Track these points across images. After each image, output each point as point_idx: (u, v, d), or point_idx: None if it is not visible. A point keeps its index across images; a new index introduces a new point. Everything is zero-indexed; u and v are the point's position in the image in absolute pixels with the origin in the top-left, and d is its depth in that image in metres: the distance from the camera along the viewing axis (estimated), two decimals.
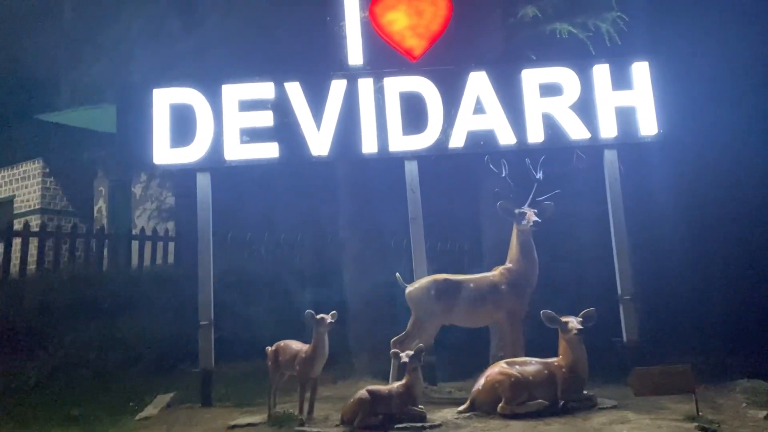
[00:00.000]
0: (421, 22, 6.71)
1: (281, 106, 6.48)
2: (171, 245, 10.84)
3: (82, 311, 9.43)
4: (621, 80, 6.56)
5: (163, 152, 6.43)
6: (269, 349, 5.32)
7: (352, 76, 6.55)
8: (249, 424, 5.12)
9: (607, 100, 6.51)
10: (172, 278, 9.97)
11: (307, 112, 6.46)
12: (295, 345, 5.21)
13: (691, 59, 7.33)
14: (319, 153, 6.45)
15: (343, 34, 6.69)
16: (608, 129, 6.49)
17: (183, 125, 6.46)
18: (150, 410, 6.07)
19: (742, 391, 5.50)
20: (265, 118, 6.50)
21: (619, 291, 6.34)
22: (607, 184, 6.52)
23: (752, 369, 6.01)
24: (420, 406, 4.93)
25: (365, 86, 6.50)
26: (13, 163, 19.78)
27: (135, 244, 11.74)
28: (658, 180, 7.39)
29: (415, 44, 6.71)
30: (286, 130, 6.45)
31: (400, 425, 4.69)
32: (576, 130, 6.49)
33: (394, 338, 5.72)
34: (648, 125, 6.50)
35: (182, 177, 8.32)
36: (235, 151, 6.44)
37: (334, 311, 5.18)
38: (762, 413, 5.02)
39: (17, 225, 12.56)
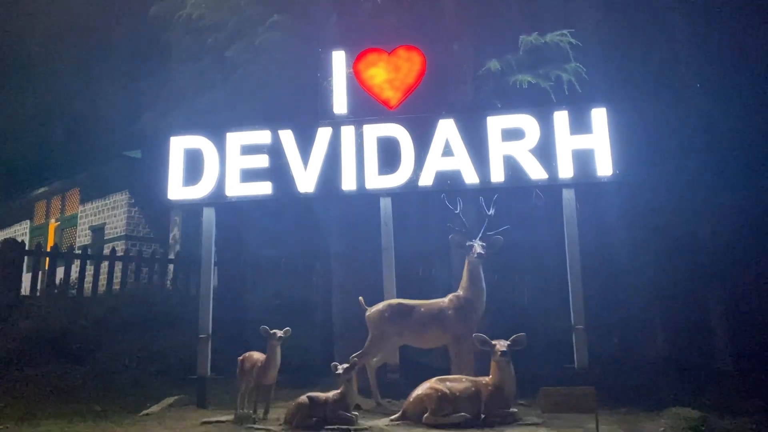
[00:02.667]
0: (398, 76, 7.58)
1: (275, 150, 7.50)
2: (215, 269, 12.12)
3: (132, 326, 10.85)
4: (580, 125, 7.10)
5: (177, 189, 7.60)
6: (239, 359, 6.26)
7: (336, 123, 7.49)
8: (218, 421, 6.06)
9: (566, 143, 7.06)
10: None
11: (296, 155, 7.45)
12: (256, 355, 6.12)
13: (646, 105, 7.74)
14: (306, 190, 7.40)
15: (330, 87, 7.66)
16: (566, 170, 7.03)
17: (193, 167, 7.61)
18: (153, 409, 7.15)
19: (669, 416, 5.82)
20: (262, 161, 7.54)
21: (572, 320, 6.81)
22: (564, 220, 7.03)
23: (691, 398, 6.27)
24: (355, 413, 5.68)
25: (347, 132, 7.43)
26: (106, 194, 22.17)
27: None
28: (614, 217, 7.80)
29: (392, 95, 7.58)
30: (278, 170, 7.46)
31: (330, 427, 5.45)
32: (535, 171, 7.08)
33: (354, 354, 6.50)
34: (604, 166, 6.99)
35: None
36: (236, 188, 7.52)
37: (287, 328, 6.06)
38: None
39: (105, 250, 14.49)
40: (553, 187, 7.12)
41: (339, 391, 5.65)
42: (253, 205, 8.14)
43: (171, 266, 14.88)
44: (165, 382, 8.93)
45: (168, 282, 14.27)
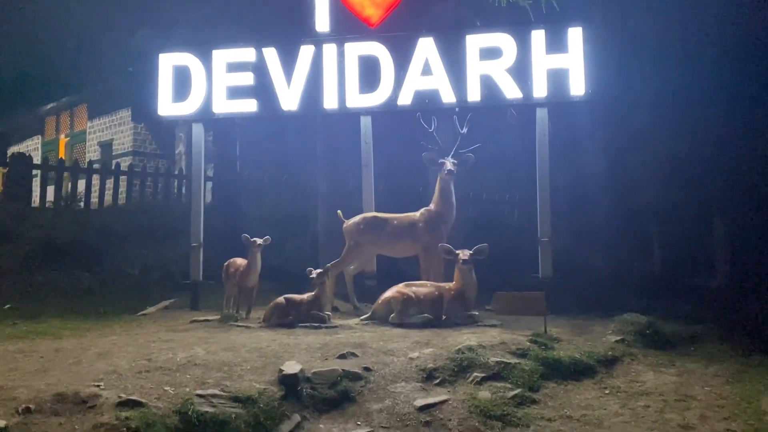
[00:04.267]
0: None
1: (260, 68, 7.73)
2: (209, 184, 12.57)
3: (137, 237, 11.46)
4: (556, 44, 7.22)
5: (166, 106, 7.91)
6: (224, 264, 6.77)
7: (319, 41, 7.67)
8: (205, 320, 6.64)
9: (542, 62, 7.21)
10: (207, 212, 11.70)
11: (280, 72, 7.67)
12: (239, 261, 6.63)
13: (622, 25, 7.79)
14: (290, 108, 7.68)
15: (313, 4, 7.78)
16: (540, 89, 7.22)
17: (182, 84, 7.88)
18: (149, 310, 7.78)
19: (618, 321, 6.28)
20: (247, 78, 7.78)
21: (539, 233, 7.21)
22: (537, 139, 7.30)
23: (644, 306, 6.73)
24: (328, 313, 6.22)
25: (329, 50, 7.61)
26: (112, 110, 22.40)
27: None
28: (585, 137, 8.05)
29: (373, 13, 7.71)
30: (263, 88, 7.71)
31: (304, 324, 6.00)
32: (511, 90, 7.27)
33: (331, 263, 6.99)
34: (578, 86, 7.17)
35: (216, 123, 9.81)
36: (222, 105, 7.80)
37: (267, 236, 6.53)
38: (616, 338, 5.86)
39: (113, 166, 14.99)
40: (527, 106, 7.33)
41: (313, 293, 6.17)
42: (252, 123, 8.48)
43: (175, 181, 15.40)
44: (165, 288, 9.56)
45: (172, 196, 14.82)
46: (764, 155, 8.51)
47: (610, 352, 5.44)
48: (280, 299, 6.17)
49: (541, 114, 7.31)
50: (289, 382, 4.30)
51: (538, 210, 7.25)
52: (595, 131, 8.00)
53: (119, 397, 3.94)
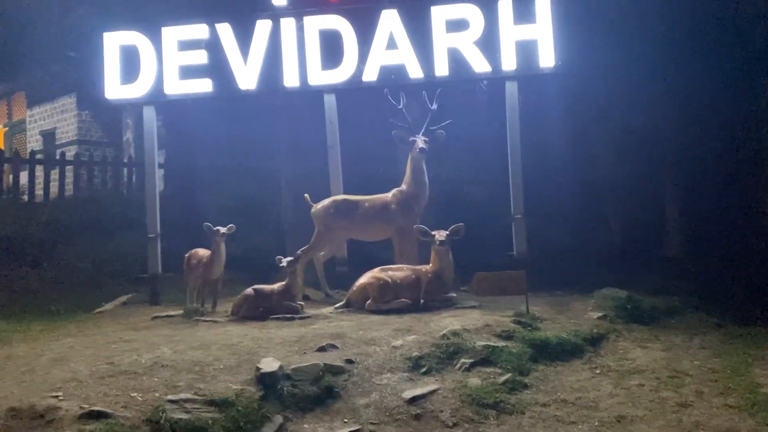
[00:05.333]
0: None
1: (214, 45, 7.26)
2: (161, 172, 11.97)
3: (87, 230, 10.83)
4: (524, 14, 6.99)
5: (114, 88, 7.38)
6: (186, 256, 6.37)
7: (276, 15, 7.25)
8: (168, 315, 6.24)
9: (510, 33, 6.97)
10: (161, 202, 11.15)
11: (235, 50, 7.23)
12: (201, 252, 6.24)
13: None
14: (247, 87, 7.26)
15: None
16: (509, 62, 6.99)
17: (130, 65, 7.36)
18: (106, 307, 7.31)
19: (598, 297, 6.18)
20: (201, 57, 7.31)
21: (512, 210, 7.02)
22: (507, 113, 7.08)
23: (625, 282, 6.64)
24: (301, 303, 5.90)
25: (287, 25, 7.20)
26: (53, 97, 21.25)
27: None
28: (556, 111, 7.91)
29: None
30: (218, 67, 7.26)
31: (276, 316, 5.67)
32: (479, 64, 7.02)
33: (301, 249, 6.66)
34: (547, 57, 6.96)
35: (168, 106, 9.28)
36: (175, 86, 7.32)
37: (231, 225, 6.14)
38: (598, 314, 5.74)
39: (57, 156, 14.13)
40: (496, 80, 7.10)
41: (284, 282, 5.84)
42: (207, 106, 8.01)
43: (125, 169, 14.68)
44: (121, 283, 9.05)
45: (122, 185, 14.13)
46: (716, 129, 8.53)
47: (595, 330, 5.31)
48: (249, 291, 5.82)
49: (511, 88, 7.10)
50: (267, 381, 3.99)
51: (510, 186, 7.06)
52: (554, 106, 7.89)
53: (81, 408, 3.57)
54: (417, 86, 7.08)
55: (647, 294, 6.53)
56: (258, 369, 4.08)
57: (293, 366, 4.19)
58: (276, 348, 4.65)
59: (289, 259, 5.84)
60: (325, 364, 4.27)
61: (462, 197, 8.11)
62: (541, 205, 7.29)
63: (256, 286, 5.88)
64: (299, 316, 5.68)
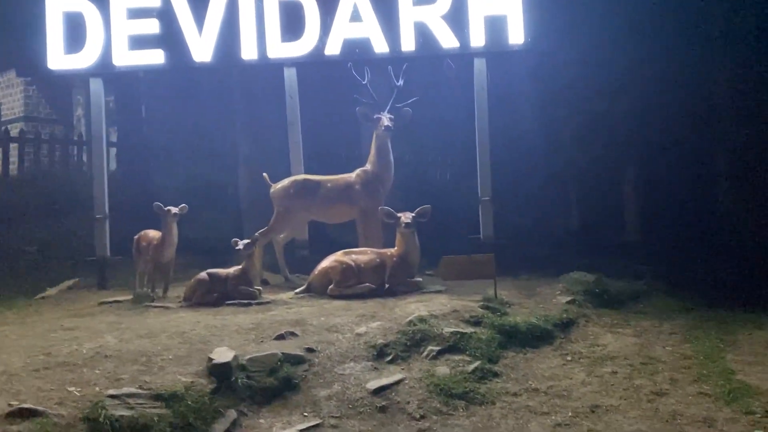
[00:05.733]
0: None
1: (166, 14, 6.81)
2: (113, 151, 11.39)
3: (32, 211, 10.21)
4: None
5: (58, 58, 6.88)
6: (135, 238, 5.97)
7: None
8: (116, 301, 5.84)
9: (478, 8, 6.72)
10: (113, 181, 10.61)
11: (190, 19, 6.80)
12: (152, 233, 5.86)
13: None
14: (202, 59, 6.84)
15: None
16: (478, 38, 6.75)
17: (76, 33, 6.85)
18: (50, 292, 6.85)
19: (566, 281, 6.02)
20: (152, 26, 6.85)
21: (479, 192, 6.81)
22: (475, 92, 6.84)
23: (590, 266, 6.51)
24: (258, 288, 5.58)
25: None
26: None
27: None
28: (521, 92, 7.72)
29: None
30: (171, 37, 6.81)
31: (231, 302, 5.34)
32: (447, 39, 6.76)
33: (259, 231, 6.33)
34: (516, 34, 6.74)
35: (119, 80, 8.75)
36: (124, 57, 6.86)
37: (183, 204, 5.77)
38: (566, 299, 5.58)
39: None
40: (464, 56, 6.85)
41: (240, 266, 5.51)
42: (161, 80, 7.55)
43: (75, 148, 13.98)
44: (67, 266, 8.54)
45: (71, 164, 13.45)
46: (675, 113, 8.45)
47: (565, 315, 5.14)
48: (203, 275, 5.48)
49: (480, 65, 6.85)
50: (220, 373, 3.68)
51: (478, 167, 6.85)
52: (520, 86, 7.71)
53: (9, 405, 3.21)
54: (382, 61, 6.79)
55: (612, 278, 6.41)
56: (210, 360, 3.76)
57: (249, 356, 3.89)
58: (231, 336, 4.34)
59: (245, 241, 5.51)
60: (283, 353, 3.99)
61: (423, 179, 7.83)
62: (503, 188, 7.05)
63: (210, 270, 5.54)
64: (256, 301, 5.36)
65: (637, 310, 5.75)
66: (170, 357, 3.93)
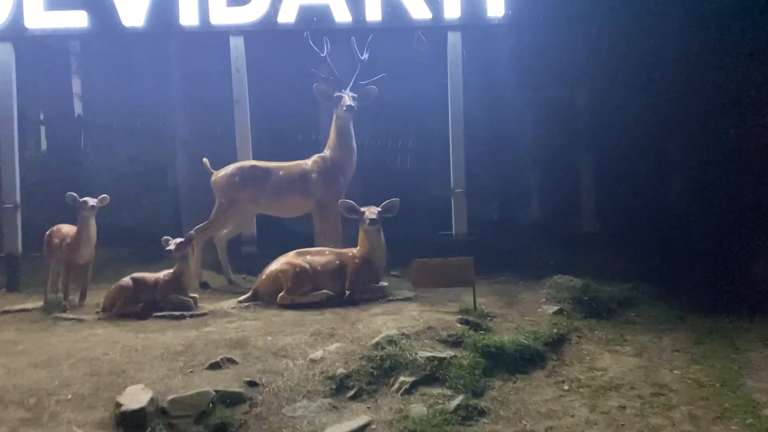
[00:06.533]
0: None
1: None
2: (43, 130, 10.21)
3: None
4: None
5: None
6: (47, 233, 5.00)
7: None
8: (22, 310, 4.90)
9: None
10: (39, 165, 9.48)
11: None
12: (65, 229, 4.91)
13: None
14: (133, 24, 5.90)
15: None
16: (453, 9, 5.98)
17: None
18: None
19: (550, 286, 5.34)
20: None
21: (452, 183, 6.06)
22: (449, 70, 6.07)
23: (567, 264, 5.86)
24: (194, 295, 4.71)
25: None
26: None
27: None
28: (503, 68, 6.98)
29: None
30: None
31: (159, 313, 4.45)
32: (418, 9, 6.00)
33: (197, 226, 5.43)
34: (496, 6, 5.98)
35: (38, 46, 7.65)
36: (39, 18, 5.85)
37: (104, 195, 4.83)
38: (553, 308, 4.88)
39: None
40: (437, 29, 6.05)
41: (172, 270, 4.61)
42: (93, 50, 6.54)
43: None
44: None
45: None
46: (635, 101, 7.86)
47: (554, 330, 4.44)
48: (126, 280, 4.55)
49: (454, 39, 6.09)
50: (131, 422, 2.82)
51: (450, 155, 6.12)
52: (497, 66, 7.00)
53: None
54: (344, 32, 5.94)
55: (591, 276, 5.75)
56: (118, 405, 2.89)
57: (171, 396, 3.04)
58: (153, 364, 3.47)
59: (178, 240, 4.59)
60: (216, 391, 3.14)
61: (382, 167, 7.01)
62: (469, 177, 6.27)
63: (135, 275, 4.62)
64: (190, 313, 4.47)
65: (630, 321, 5.09)
66: (68, 397, 3.05)
